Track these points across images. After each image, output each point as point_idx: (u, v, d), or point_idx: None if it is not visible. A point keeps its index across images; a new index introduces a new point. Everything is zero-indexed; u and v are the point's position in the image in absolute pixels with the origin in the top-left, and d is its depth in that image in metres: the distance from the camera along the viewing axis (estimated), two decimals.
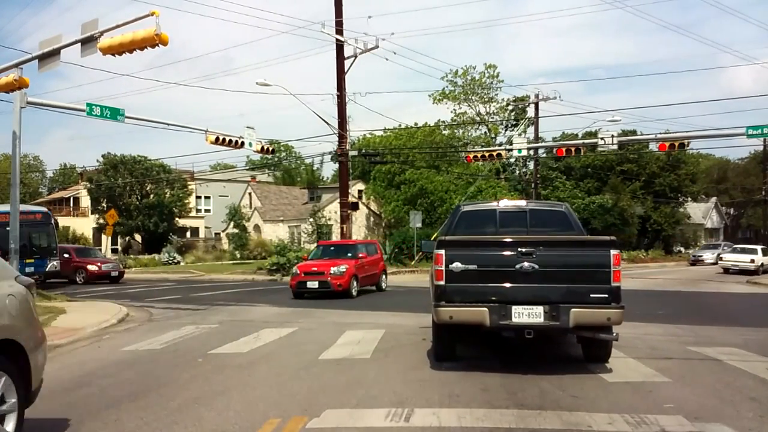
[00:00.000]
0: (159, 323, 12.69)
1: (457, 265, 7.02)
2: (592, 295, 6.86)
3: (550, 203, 11.05)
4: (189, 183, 51.87)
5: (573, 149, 26.93)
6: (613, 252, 6.92)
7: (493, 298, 6.97)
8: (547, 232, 8.40)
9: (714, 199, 65.10)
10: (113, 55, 13.65)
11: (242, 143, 23.43)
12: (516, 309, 6.91)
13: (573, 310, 6.79)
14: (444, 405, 5.83)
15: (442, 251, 7.10)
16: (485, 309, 6.92)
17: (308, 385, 6.80)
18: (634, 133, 39.61)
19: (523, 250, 6.98)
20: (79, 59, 14.36)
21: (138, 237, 50.11)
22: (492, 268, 7.07)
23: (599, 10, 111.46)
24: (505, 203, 9.56)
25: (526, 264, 6.92)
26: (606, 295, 6.85)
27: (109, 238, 40.26)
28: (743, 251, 33.05)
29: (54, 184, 77.67)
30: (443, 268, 7.06)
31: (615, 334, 7.22)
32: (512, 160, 42.52)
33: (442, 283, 7.08)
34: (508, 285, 6.99)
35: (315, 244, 41.83)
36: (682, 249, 51.84)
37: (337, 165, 28.93)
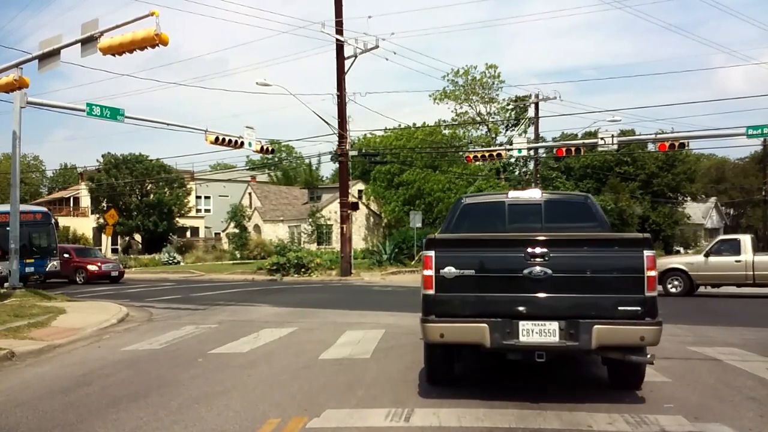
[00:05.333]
0: (159, 323, 12.69)
1: (449, 270, 5.83)
2: (620, 308, 5.62)
3: (570, 194, 9.18)
4: (189, 183, 51.92)
5: (573, 149, 26.98)
6: (646, 253, 5.65)
7: (495, 312, 5.75)
8: (567, 228, 6.99)
9: (714, 199, 65.10)
10: (113, 55, 13.67)
11: (242, 143, 23.46)
12: (524, 325, 5.70)
13: (596, 326, 5.54)
14: (444, 405, 5.82)
15: (432, 252, 5.90)
16: (485, 325, 5.70)
17: (308, 385, 6.79)
18: (632, 132, 39.63)
19: (534, 250, 5.76)
20: (79, 59, 14.40)
21: (138, 237, 50.16)
22: (494, 273, 5.87)
23: (599, 10, 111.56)
24: (516, 194, 7.97)
25: (536, 268, 5.70)
26: (638, 308, 5.59)
27: (109, 238, 40.28)
28: None
29: (54, 184, 77.69)
30: (433, 273, 5.86)
31: (650, 355, 5.94)
32: (512, 160, 42.55)
33: (432, 292, 5.86)
34: (513, 295, 5.79)
35: (315, 244, 42.35)
36: (681, 249, 51.85)
37: (336, 165, 28.94)
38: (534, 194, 7.91)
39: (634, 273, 5.65)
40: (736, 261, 17.72)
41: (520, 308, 5.75)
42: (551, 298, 5.72)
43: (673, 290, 18.03)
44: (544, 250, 5.75)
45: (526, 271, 5.73)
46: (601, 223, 7.22)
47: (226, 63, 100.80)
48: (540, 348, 5.73)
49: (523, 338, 5.70)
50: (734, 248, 17.97)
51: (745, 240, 18.24)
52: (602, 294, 5.69)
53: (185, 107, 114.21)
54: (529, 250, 5.77)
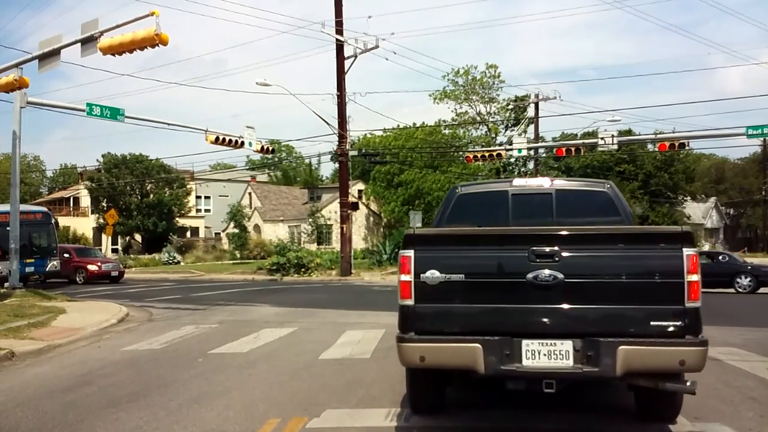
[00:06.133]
0: (159, 323, 12.70)
1: (432, 275, 4.70)
2: (653, 323, 4.47)
3: (587, 181, 7.48)
4: (189, 183, 51.96)
5: (573, 149, 27.08)
6: (687, 251, 4.48)
7: (492, 328, 4.60)
8: (583, 223, 5.70)
9: (713, 199, 65.16)
10: (113, 55, 13.70)
11: (242, 143, 23.48)
12: (528, 345, 4.56)
13: (622, 347, 4.38)
14: (443, 405, 5.82)
15: (411, 252, 4.77)
16: (477, 345, 4.53)
17: (308, 385, 6.80)
18: (629, 132, 39.71)
19: (540, 249, 4.61)
20: (79, 59, 14.42)
21: (138, 237, 50.19)
22: (489, 278, 4.73)
23: (599, 10, 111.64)
24: (521, 182, 6.71)
25: (544, 272, 4.55)
26: (677, 323, 4.46)
27: (109, 237, 40.28)
28: None
29: (54, 184, 77.70)
30: (412, 278, 4.73)
31: (690, 382, 4.78)
32: (512, 160, 42.62)
33: (410, 302, 4.74)
34: (515, 306, 4.65)
35: (315, 244, 42.38)
36: None
37: (336, 165, 28.95)
38: (543, 182, 6.63)
39: (671, 277, 4.47)
40: None
41: (524, 323, 4.61)
42: (563, 309, 4.56)
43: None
44: (554, 248, 4.58)
45: (530, 276, 4.56)
46: (626, 217, 6.16)
47: (225, 63, 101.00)
48: (549, 375, 4.56)
49: (527, 362, 4.55)
50: None
51: None
52: (629, 305, 4.51)
53: (185, 107, 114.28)
54: (535, 248, 4.59)
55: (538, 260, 4.58)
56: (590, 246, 4.68)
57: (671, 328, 4.46)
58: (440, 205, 6.83)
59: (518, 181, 6.73)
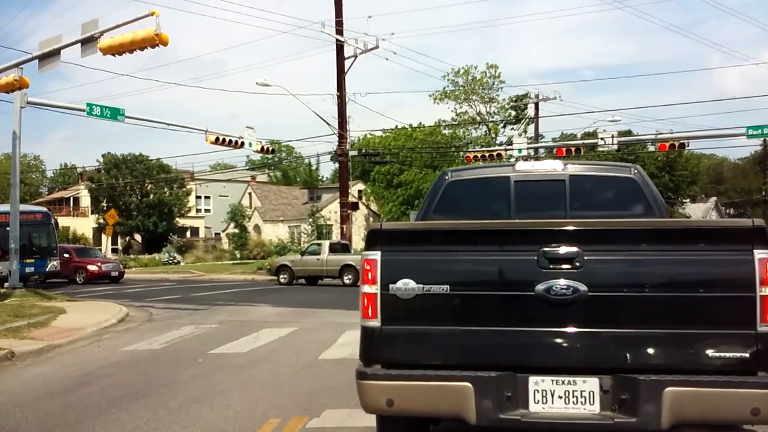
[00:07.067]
0: (159, 323, 12.70)
1: (406, 285, 3.44)
2: (712, 354, 3.25)
3: (609, 165, 5.70)
4: (189, 183, 52.00)
5: (573, 149, 27.06)
6: (759, 254, 3.24)
7: (487, 360, 3.40)
8: (604, 216, 4.29)
9: (713, 199, 65.24)
10: (113, 55, 13.71)
11: (242, 143, 23.48)
12: (538, 384, 3.36)
13: (671, 389, 3.18)
14: None
15: (376, 254, 3.52)
16: (467, 384, 3.31)
17: (308, 385, 6.80)
18: (629, 133, 39.74)
19: (555, 250, 3.40)
20: (79, 59, 14.45)
21: (138, 237, 50.21)
22: (484, 290, 3.48)
23: (599, 10, 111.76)
24: (526, 167, 5.40)
25: (560, 283, 3.33)
26: (746, 354, 3.22)
27: (109, 238, 40.31)
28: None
29: (54, 184, 77.73)
30: (378, 289, 3.49)
31: None
32: (512, 160, 42.63)
33: (375, 323, 3.50)
34: (519, 329, 3.43)
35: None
36: None
37: (336, 165, 28.98)
38: (554, 166, 5.12)
39: (738, 290, 3.26)
40: (317, 259, 23.77)
41: (531, 353, 3.40)
42: (586, 334, 3.35)
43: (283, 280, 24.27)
44: (573, 249, 3.37)
45: (541, 288, 3.34)
46: (658, 209, 4.82)
47: (225, 63, 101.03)
48: (566, 426, 3.34)
49: (536, 407, 3.34)
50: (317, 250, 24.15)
51: (325, 244, 24.57)
52: (679, 328, 3.29)
53: (185, 107, 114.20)
54: (547, 249, 3.38)
55: (551, 266, 3.37)
56: (624, 246, 3.43)
57: (738, 362, 3.22)
58: (426, 196, 5.46)
59: (522, 165, 5.43)
